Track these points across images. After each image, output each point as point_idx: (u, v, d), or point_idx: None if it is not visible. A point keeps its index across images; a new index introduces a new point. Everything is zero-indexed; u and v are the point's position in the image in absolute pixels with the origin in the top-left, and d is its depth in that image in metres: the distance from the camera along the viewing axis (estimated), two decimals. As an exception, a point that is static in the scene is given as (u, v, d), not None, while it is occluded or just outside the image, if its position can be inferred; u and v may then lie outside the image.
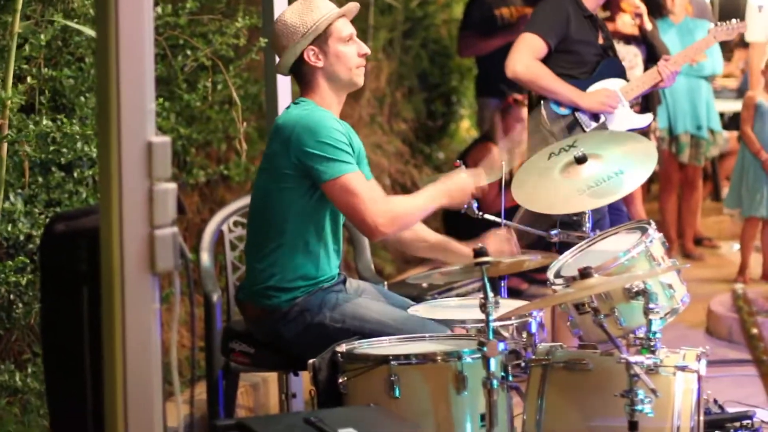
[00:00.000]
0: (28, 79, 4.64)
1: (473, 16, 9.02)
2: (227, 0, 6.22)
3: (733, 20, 6.31)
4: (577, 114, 5.79)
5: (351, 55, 4.35)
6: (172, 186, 2.51)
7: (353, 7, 4.41)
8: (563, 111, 5.80)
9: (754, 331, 6.92)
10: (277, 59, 4.45)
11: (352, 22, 4.43)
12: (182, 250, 2.54)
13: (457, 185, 4.38)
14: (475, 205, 4.91)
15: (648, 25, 7.78)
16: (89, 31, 4.66)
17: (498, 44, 8.28)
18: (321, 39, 4.31)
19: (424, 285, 6.08)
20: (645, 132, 7.84)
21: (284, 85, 5.38)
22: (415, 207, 4.31)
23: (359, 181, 4.21)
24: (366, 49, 4.40)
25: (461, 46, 9.32)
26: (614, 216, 5.74)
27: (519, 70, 5.74)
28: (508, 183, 4.75)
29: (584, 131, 5.74)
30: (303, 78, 4.39)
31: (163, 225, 2.49)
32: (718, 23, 6.34)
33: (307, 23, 4.29)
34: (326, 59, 4.32)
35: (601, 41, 5.92)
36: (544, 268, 4.47)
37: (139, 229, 2.47)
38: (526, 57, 5.74)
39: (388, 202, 4.26)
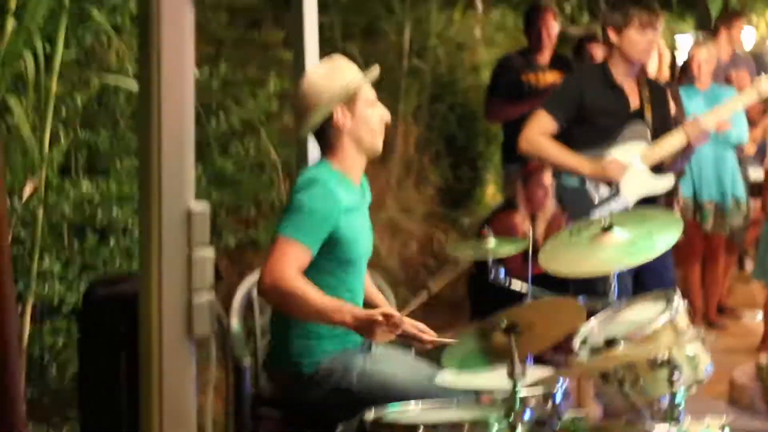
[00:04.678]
0: (62, 138, 4.68)
1: (500, 81, 9.00)
2: (258, 64, 6.30)
3: None
4: (586, 184, 5.87)
5: (375, 119, 4.39)
6: (210, 252, 2.55)
7: (376, 72, 4.44)
8: (572, 181, 5.90)
9: (779, 403, 6.89)
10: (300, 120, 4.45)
11: (384, 86, 4.47)
12: (219, 315, 2.58)
13: (368, 321, 4.11)
14: (502, 272, 4.95)
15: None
16: (130, 83, 4.68)
17: (525, 110, 8.13)
18: (350, 101, 4.34)
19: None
20: (669, 201, 7.84)
21: (315, 148, 5.39)
22: (308, 300, 4.10)
23: (285, 245, 4.13)
24: (388, 117, 4.44)
25: (488, 111, 9.28)
26: (655, 280, 5.66)
27: (522, 146, 6.02)
28: (535, 252, 4.77)
29: (593, 203, 5.81)
30: (327, 140, 4.40)
31: (201, 290, 2.53)
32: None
33: (336, 84, 4.31)
34: (354, 121, 4.35)
35: (634, 107, 5.95)
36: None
37: (177, 294, 2.50)
38: (530, 133, 5.96)
39: (287, 274, 4.10)
